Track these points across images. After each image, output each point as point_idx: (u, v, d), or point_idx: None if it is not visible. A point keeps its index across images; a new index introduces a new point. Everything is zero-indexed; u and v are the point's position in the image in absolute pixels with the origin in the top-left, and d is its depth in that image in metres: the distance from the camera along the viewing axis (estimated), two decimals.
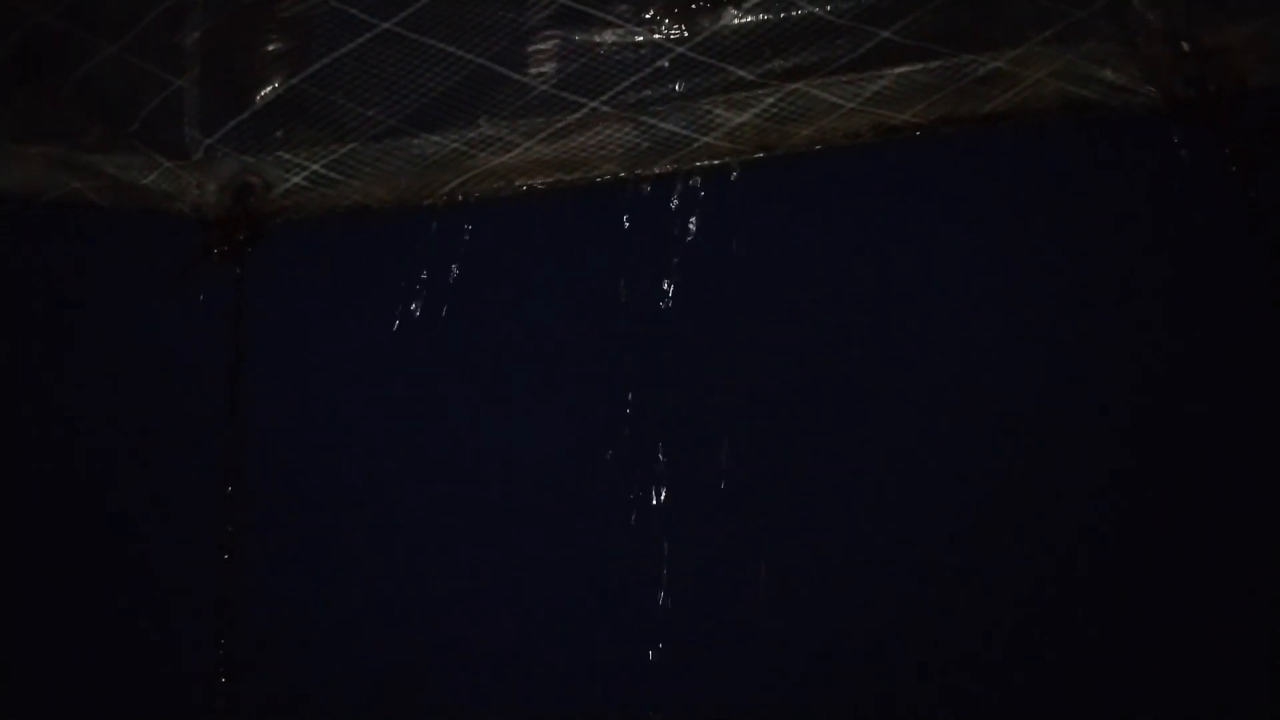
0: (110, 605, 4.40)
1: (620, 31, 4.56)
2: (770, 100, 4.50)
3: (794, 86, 4.49)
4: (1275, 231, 4.22)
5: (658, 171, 4.52)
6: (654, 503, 4.28)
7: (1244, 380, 4.20)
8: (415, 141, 4.59)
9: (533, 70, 4.58)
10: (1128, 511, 4.12)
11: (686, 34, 4.53)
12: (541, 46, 4.58)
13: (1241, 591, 3.92)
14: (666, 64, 4.54)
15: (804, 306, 4.42)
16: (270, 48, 4.64)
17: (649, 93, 4.54)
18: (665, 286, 4.41)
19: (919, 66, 4.46)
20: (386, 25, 4.60)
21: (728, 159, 4.50)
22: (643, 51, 4.55)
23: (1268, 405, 4.15)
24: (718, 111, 4.51)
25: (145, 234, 4.65)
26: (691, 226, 4.46)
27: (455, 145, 4.57)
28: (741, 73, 4.51)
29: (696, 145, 4.51)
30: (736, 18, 4.52)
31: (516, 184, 4.58)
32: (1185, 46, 4.38)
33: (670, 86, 4.53)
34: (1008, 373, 4.30)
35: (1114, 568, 4.03)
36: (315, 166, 4.61)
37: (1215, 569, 3.97)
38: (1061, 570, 4.03)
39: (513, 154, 4.57)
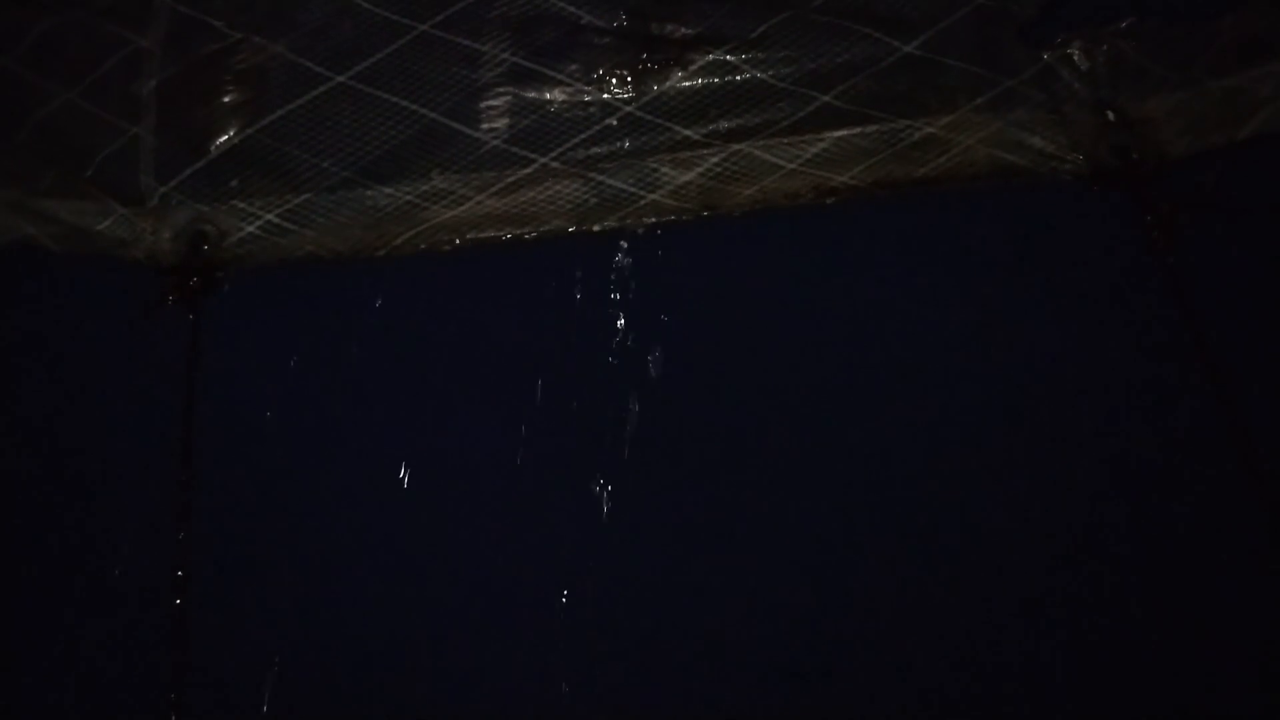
0: (63, 650, 4.46)
1: (570, 90, 4.71)
2: (715, 160, 4.66)
3: (737, 147, 4.66)
4: (1190, 295, 4.44)
5: (606, 227, 4.67)
6: (606, 548, 4.41)
7: (1163, 433, 4.42)
8: (368, 193, 4.70)
9: (485, 125, 4.71)
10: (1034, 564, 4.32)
11: (634, 94, 4.69)
12: (493, 103, 4.71)
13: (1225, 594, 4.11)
14: (615, 122, 4.69)
15: (745, 360, 4.59)
16: (226, 98, 4.74)
17: (598, 150, 4.69)
18: (613, 340, 4.56)
19: (857, 130, 4.65)
20: (341, 79, 4.71)
21: (673, 216, 4.66)
22: (592, 110, 4.69)
23: (1186, 459, 4.36)
24: (664, 170, 4.67)
25: (99, 280, 4.71)
26: (638, 282, 4.61)
27: (408, 197, 4.69)
28: (687, 132, 4.67)
29: (643, 202, 4.66)
30: (683, 79, 4.68)
31: (467, 237, 4.71)
32: (1110, 116, 4.61)
33: (618, 144, 4.68)
34: (939, 425, 4.49)
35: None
36: (269, 216, 4.70)
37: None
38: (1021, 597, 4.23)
39: (464, 207, 4.69)
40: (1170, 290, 4.45)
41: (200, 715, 4.29)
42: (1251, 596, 4.10)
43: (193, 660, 4.35)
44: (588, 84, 4.69)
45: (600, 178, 4.67)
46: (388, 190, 4.69)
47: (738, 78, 4.68)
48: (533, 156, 4.67)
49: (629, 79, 4.68)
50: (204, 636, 4.39)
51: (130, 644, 4.41)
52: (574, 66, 4.71)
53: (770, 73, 4.66)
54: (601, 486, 4.45)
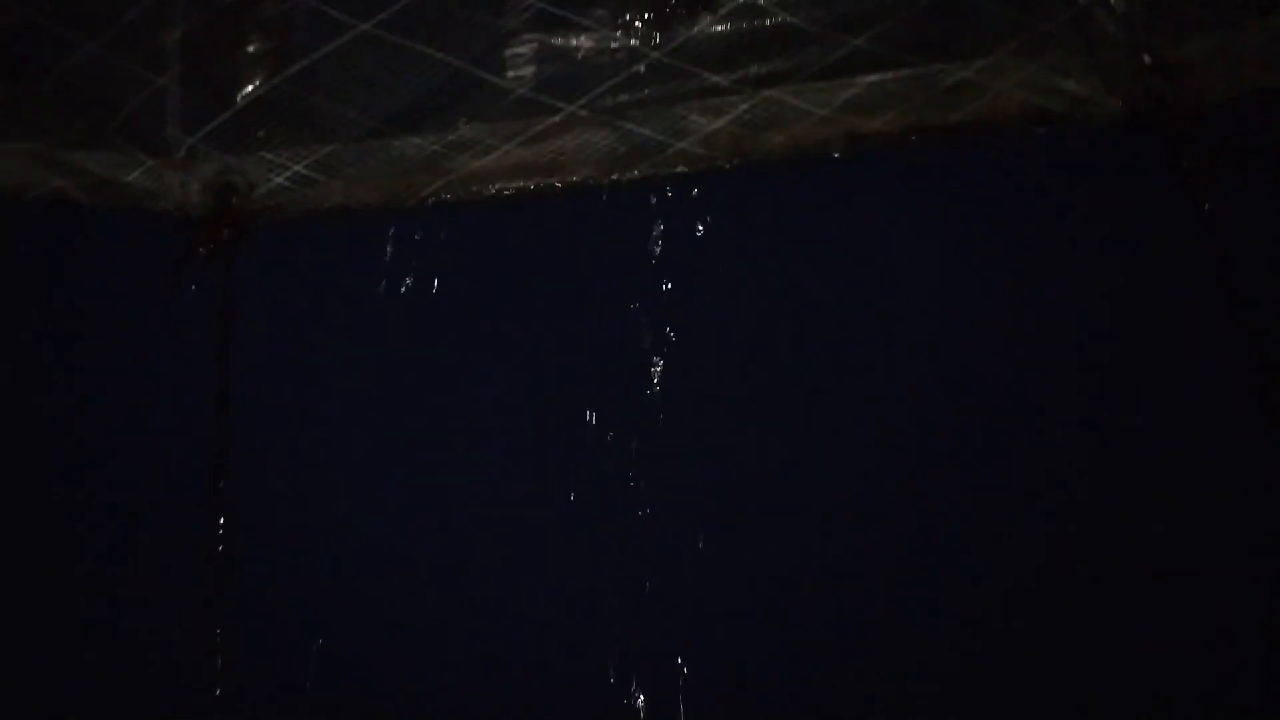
0: (97, 601, 4.54)
1: (597, 36, 4.64)
2: (744, 107, 4.60)
3: (767, 93, 4.60)
4: (1227, 242, 4.39)
5: (634, 176, 4.64)
6: (634, 499, 4.45)
7: (1194, 382, 4.41)
8: (395, 143, 4.68)
9: (511, 74, 4.66)
10: (1071, 505, 4.33)
11: (662, 40, 4.62)
12: (520, 50, 4.66)
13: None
14: (642, 69, 4.63)
15: (777, 310, 4.58)
16: (251, 48, 4.69)
17: (625, 97, 4.64)
18: (642, 289, 4.56)
19: (889, 75, 4.57)
20: (366, 26, 4.66)
21: (703, 165, 4.62)
22: (619, 56, 4.63)
23: (1216, 407, 4.36)
24: (693, 117, 4.62)
25: (130, 233, 4.72)
26: (668, 232, 4.59)
27: (435, 147, 4.66)
28: (716, 79, 4.61)
29: (672, 151, 4.62)
30: (711, 24, 4.61)
31: (496, 187, 4.69)
32: (1146, 60, 4.51)
33: (646, 91, 4.63)
34: (971, 373, 4.48)
35: (1077, 566, 4.26)
36: (297, 167, 4.69)
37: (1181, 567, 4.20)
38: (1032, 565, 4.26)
39: (492, 157, 4.66)
40: (1205, 238, 4.40)
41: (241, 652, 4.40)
42: None
43: (232, 607, 4.45)
44: (615, 30, 4.63)
45: (628, 126, 4.63)
46: (415, 140, 4.66)
47: (767, 21, 4.60)
48: (560, 105, 4.63)
49: (656, 25, 4.61)
50: (241, 586, 4.49)
51: (165, 604, 4.51)
52: (601, 12, 4.64)
53: (801, 16, 4.58)
54: (630, 437, 4.47)
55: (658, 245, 4.59)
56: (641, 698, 4.20)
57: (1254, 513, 4.16)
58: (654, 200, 4.62)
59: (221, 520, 4.53)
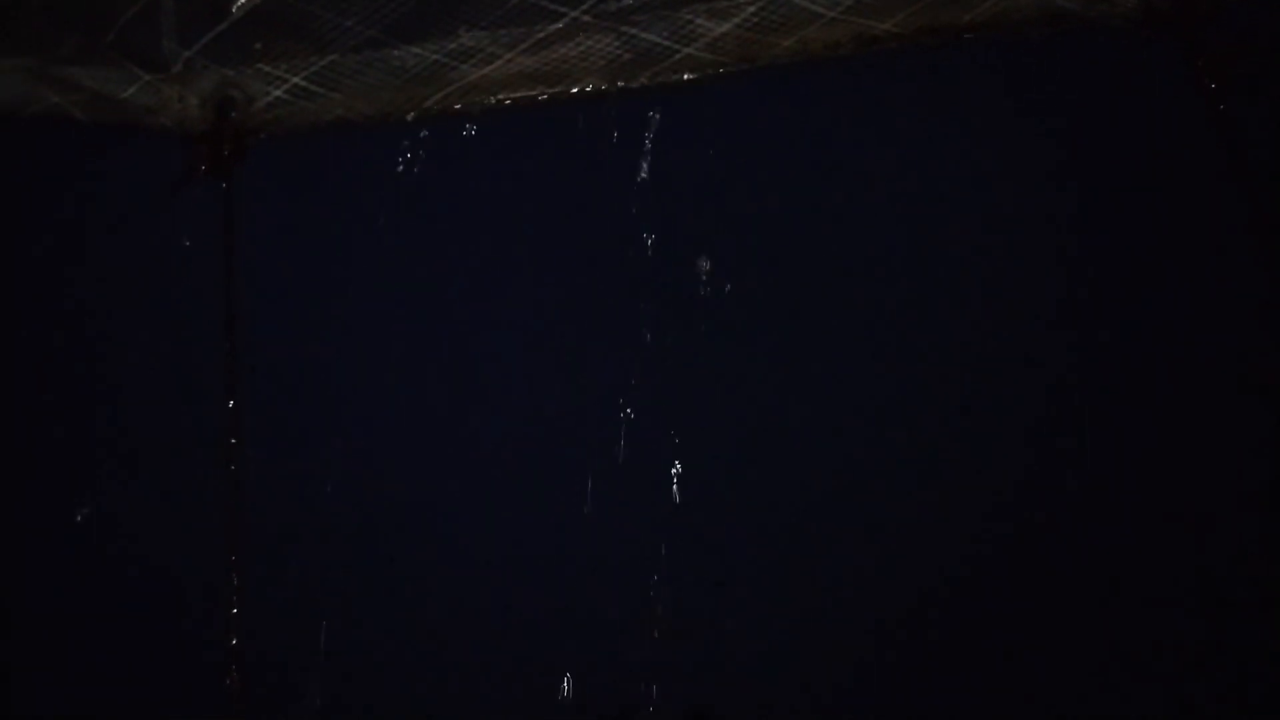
0: (110, 513, 4.54)
1: None
2: (751, 9, 4.49)
3: None
4: (1244, 143, 4.32)
5: (640, 84, 4.55)
6: (640, 412, 4.44)
7: (1211, 286, 4.37)
8: (395, 53, 4.57)
9: None
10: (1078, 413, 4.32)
11: None
12: None
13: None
14: None
15: (788, 216, 4.53)
16: None
17: (630, 1, 4.53)
18: (650, 199, 4.50)
19: None
20: None
21: (710, 71, 4.53)
22: None
23: (1235, 311, 4.32)
24: (699, 21, 4.51)
25: (129, 149, 4.65)
26: (676, 139, 4.52)
27: (436, 57, 4.56)
28: None
29: (679, 56, 4.53)
30: None
31: (499, 97, 4.60)
32: None
33: None
34: (985, 278, 4.44)
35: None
36: (296, 79, 4.59)
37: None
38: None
39: (493, 66, 4.57)
40: (1223, 138, 4.32)
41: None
42: None
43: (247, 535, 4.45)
44: None
45: (633, 31, 4.53)
46: (415, 50, 4.56)
47: None
48: (562, 10, 4.52)
49: None
50: (253, 504, 4.49)
51: (183, 508, 4.52)
52: None
53: None
54: (637, 347, 4.45)
55: (666, 154, 4.52)
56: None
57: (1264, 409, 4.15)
58: (661, 107, 4.54)
59: (233, 441, 4.52)
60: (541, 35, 4.55)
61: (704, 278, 4.50)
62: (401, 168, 4.62)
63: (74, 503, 4.44)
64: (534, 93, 4.59)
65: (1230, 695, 3.83)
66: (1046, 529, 4.19)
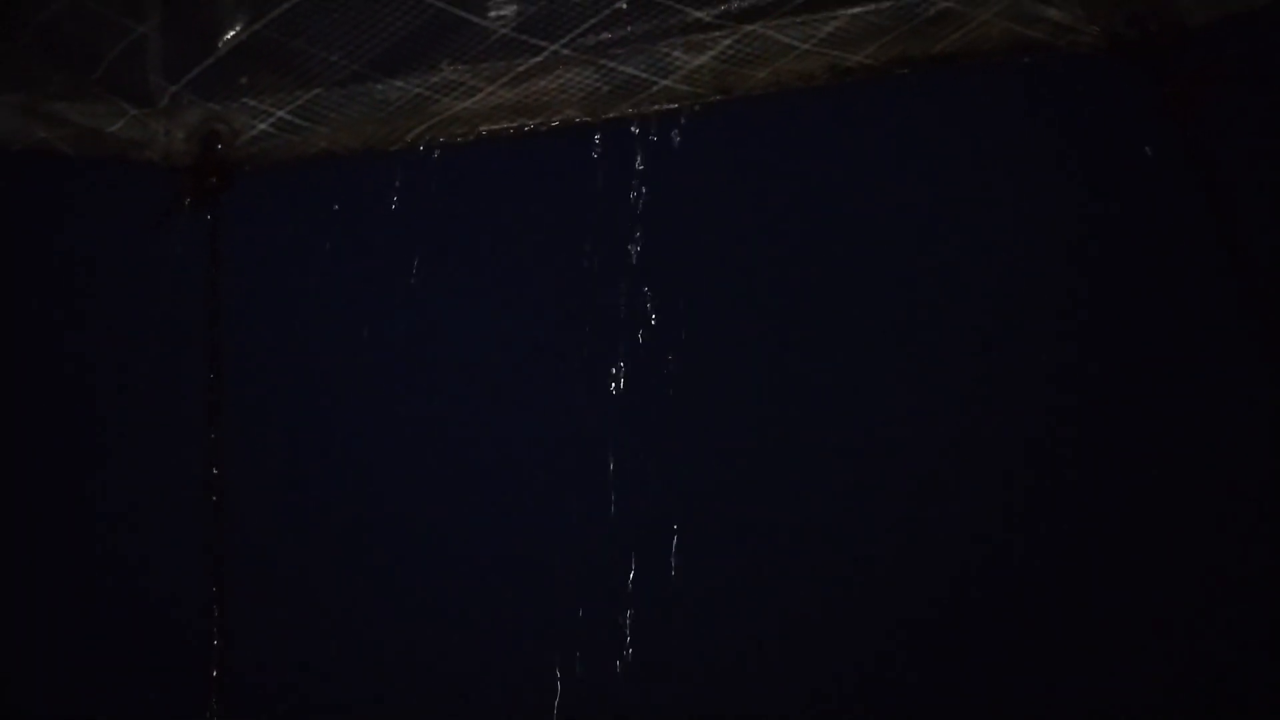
0: (95, 543, 4.57)
1: None
2: (727, 42, 4.59)
3: (750, 28, 4.58)
4: (1210, 168, 4.41)
5: (619, 115, 4.63)
6: (625, 436, 4.49)
7: (1181, 305, 4.44)
8: (379, 87, 4.66)
9: (492, 13, 4.63)
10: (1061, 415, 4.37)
11: None
12: None
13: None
14: (624, 5, 4.60)
15: (766, 244, 4.60)
16: None
17: (608, 35, 4.61)
18: (630, 228, 4.57)
19: (871, 7, 4.55)
20: None
21: (687, 102, 4.62)
22: None
23: (1203, 328, 4.38)
24: (676, 54, 4.61)
25: (116, 182, 4.72)
26: (654, 169, 4.59)
27: (418, 90, 4.65)
28: (698, 14, 4.59)
29: (656, 88, 4.62)
30: None
31: (480, 129, 4.68)
32: None
33: (629, 28, 4.60)
34: (954, 302, 4.51)
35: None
36: (281, 113, 4.67)
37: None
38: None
39: (475, 99, 4.65)
40: (1189, 162, 4.41)
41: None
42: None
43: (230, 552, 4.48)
44: None
45: (611, 64, 4.62)
46: (397, 83, 4.65)
47: None
48: (542, 44, 4.61)
49: None
50: (237, 529, 4.52)
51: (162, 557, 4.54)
52: None
53: None
54: (620, 374, 4.50)
55: (646, 183, 4.60)
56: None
57: (1238, 424, 4.20)
58: (639, 138, 4.62)
59: (215, 470, 4.56)
60: (522, 68, 4.63)
61: (685, 305, 4.56)
62: (385, 199, 4.69)
63: (60, 539, 4.48)
64: (515, 124, 4.68)
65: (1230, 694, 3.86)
66: (1044, 527, 4.23)
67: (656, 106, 4.63)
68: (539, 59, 4.62)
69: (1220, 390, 4.32)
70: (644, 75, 4.62)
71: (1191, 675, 3.92)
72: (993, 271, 4.51)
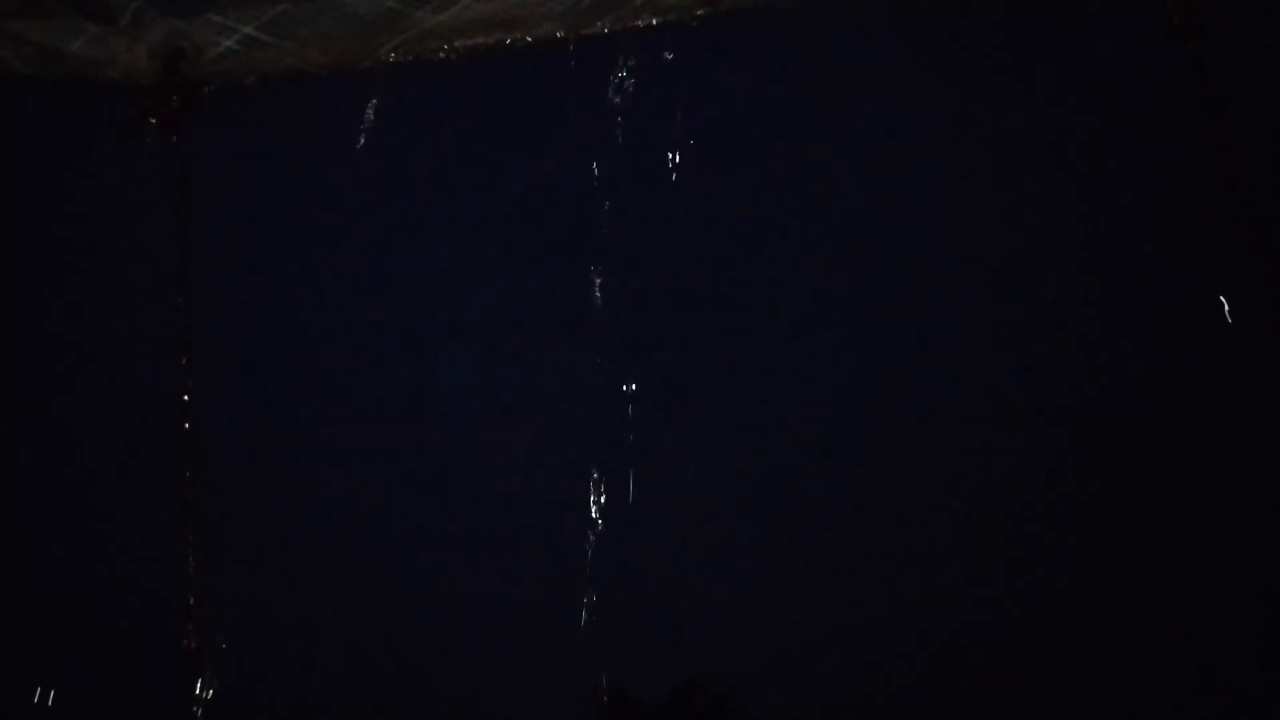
0: (65, 480, 4.45)
1: None
2: None
3: None
4: (1212, 83, 4.24)
5: (600, 30, 4.44)
6: (607, 357, 4.35)
7: (1176, 236, 4.28)
8: (349, 0, 4.47)
9: None
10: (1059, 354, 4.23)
11: None
12: None
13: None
14: None
15: (750, 162, 4.43)
16: None
17: None
18: (609, 148, 4.40)
19: None
20: None
21: (670, 15, 4.43)
22: None
23: (1195, 258, 4.24)
24: None
25: (77, 104, 4.53)
26: (635, 88, 4.41)
27: (391, 3, 4.45)
28: None
29: (639, 1, 4.42)
30: None
31: (456, 44, 4.49)
32: None
33: None
34: (947, 221, 4.36)
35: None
36: (246, 29, 4.48)
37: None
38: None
39: (451, 11, 4.46)
40: (1190, 78, 4.24)
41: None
42: None
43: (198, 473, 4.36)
44: None
45: None
46: None
47: None
48: None
49: None
50: (211, 460, 4.40)
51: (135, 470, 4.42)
52: None
53: None
54: (600, 301, 4.36)
55: (626, 102, 4.42)
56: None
57: (1246, 366, 4.07)
58: (620, 54, 4.43)
59: (187, 399, 4.43)
60: None
61: (666, 221, 4.41)
62: (356, 118, 4.51)
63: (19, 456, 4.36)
64: (491, 39, 4.49)
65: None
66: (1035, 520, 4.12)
67: (639, 21, 4.44)
68: None
69: (1223, 320, 4.18)
70: None
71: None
72: (981, 196, 4.35)
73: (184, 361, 4.45)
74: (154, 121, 4.51)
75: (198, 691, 4.10)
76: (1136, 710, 3.76)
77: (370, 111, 4.51)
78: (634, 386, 4.25)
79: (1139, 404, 4.04)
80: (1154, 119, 4.24)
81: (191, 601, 4.19)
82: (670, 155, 4.39)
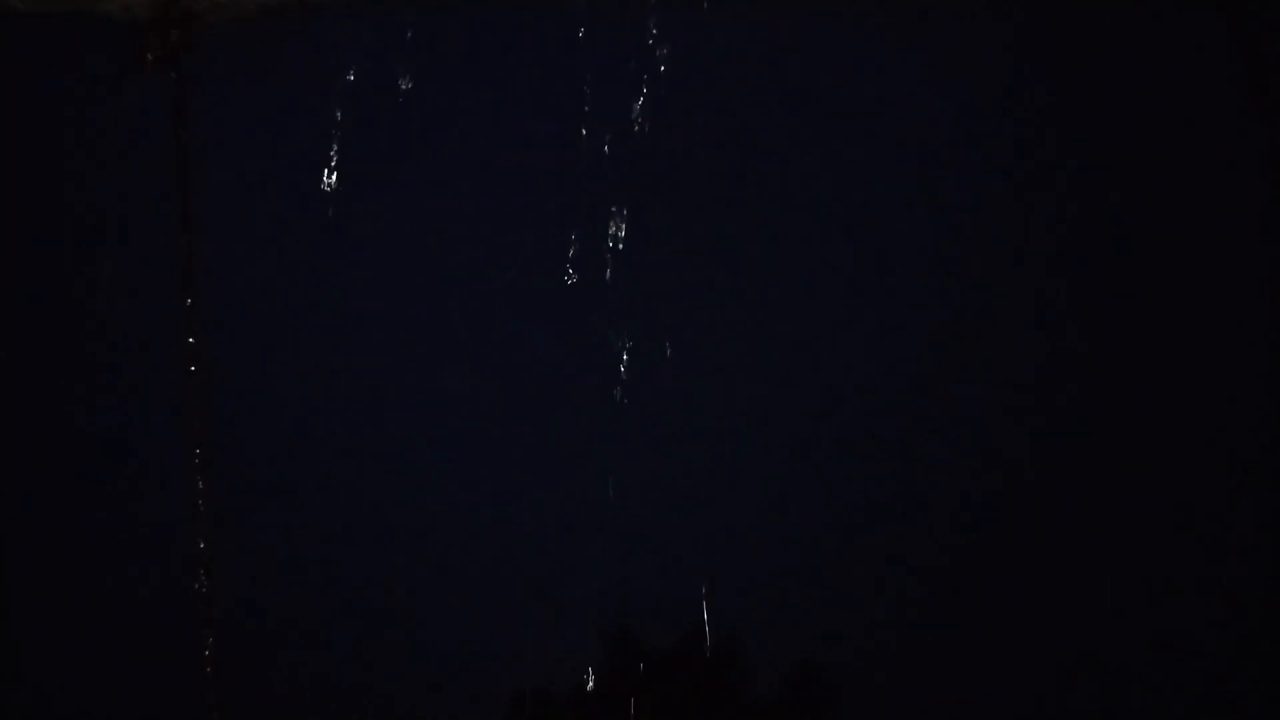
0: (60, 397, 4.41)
1: None
2: None
3: None
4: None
5: None
6: (610, 306, 4.32)
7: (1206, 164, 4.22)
8: None
9: None
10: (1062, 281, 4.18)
11: None
12: None
13: None
14: None
15: (768, 115, 4.37)
16: None
17: None
18: (618, 89, 4.34)
19: None
20: None
21: None
22: None
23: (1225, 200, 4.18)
24: None
25: (73, 39, 4.45)
26: (652, 32, 4.34)
27: None
28: None
29: None
30: None
31: None
32: None
33: None
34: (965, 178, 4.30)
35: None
36: None
37: None
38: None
39: None
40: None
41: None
42: None
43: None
44: None
45: None
46: None
47: None
48: None
49: None
50: (216, 404, 4.37)
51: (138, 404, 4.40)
52: None
53: None
54: (606, 236, 4.32)
55: (641, 48, 4.36)
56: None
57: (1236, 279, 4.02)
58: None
59: (191, 340, 4.39)
60: None
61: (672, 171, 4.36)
62: (361, 55, 4.44)
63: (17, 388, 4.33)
64: None
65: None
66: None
67: None
68: None
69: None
70: None
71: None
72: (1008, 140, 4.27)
73: (188, 302, 4.40)
74: (151, 57, 4.43)
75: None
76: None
77: (375, 48, 4.44)
78: (641, 325, 4.23)
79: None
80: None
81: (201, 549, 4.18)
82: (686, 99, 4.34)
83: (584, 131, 4.30)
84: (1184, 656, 3.77)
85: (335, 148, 4.47)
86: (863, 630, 3.91)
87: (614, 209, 4.31)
